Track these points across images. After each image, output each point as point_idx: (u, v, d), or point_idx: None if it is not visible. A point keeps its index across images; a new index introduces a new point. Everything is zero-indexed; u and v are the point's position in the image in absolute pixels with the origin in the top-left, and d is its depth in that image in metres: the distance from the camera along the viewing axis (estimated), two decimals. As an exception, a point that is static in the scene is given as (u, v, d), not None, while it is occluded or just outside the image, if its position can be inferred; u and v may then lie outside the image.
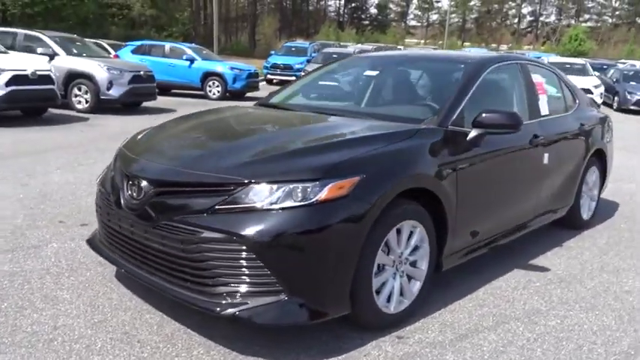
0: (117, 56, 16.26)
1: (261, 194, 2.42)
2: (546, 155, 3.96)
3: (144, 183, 2.65)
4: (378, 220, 2.59)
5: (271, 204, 2.41)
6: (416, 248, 2.93)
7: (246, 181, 2.45)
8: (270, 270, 2.37)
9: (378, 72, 3.99)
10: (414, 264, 2.96)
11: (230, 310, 2.38)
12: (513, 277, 3.68)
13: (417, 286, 2.98)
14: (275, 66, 22.41)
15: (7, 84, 9.08)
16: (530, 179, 3.87)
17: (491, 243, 3.58)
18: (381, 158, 2.69)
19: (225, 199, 2.43)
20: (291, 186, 2.43)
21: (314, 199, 2.41)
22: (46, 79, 9.79)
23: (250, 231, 2.35)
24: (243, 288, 2.41)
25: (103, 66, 11.41)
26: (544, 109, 4.19)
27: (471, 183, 3.23)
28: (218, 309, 2.39)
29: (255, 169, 2.53)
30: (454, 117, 3.23)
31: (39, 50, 11.30)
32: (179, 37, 32.58)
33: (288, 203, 2.41)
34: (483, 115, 3.20)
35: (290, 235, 2.36)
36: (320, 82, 4.25)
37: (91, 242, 3.14)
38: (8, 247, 3.72)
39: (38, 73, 9.60)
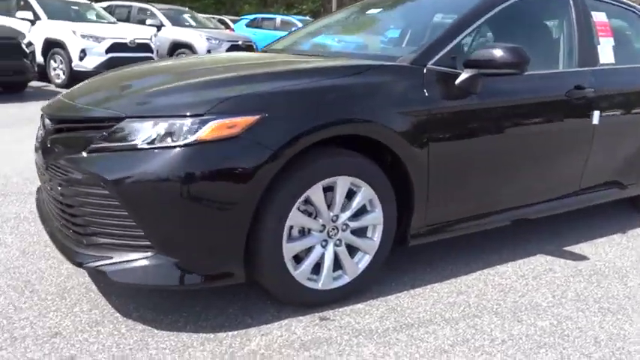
0: (232, 30, 16.75)
1: (139, 132, 2.03)
2: (596, 113, 3.07)
3: (47, 120, 2.42)
4: (286, 171, 2.08)
5: (148, 143, 2.01)
6: (362, 213, 2.37)
7: (123, 116, 2.08)
8: (136, 221, 2.00)
9: (380, 10, 3.36)
10: (360, 233, 2.40)
11: (92, 264, 2.05)
12: (529, 263, 2.92)
13: (365, 260, 2.41)
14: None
15: (107, 51, 9.62)
16: (566, 142, 3.02)
17: (499, 215, 2.85)
18: (296, 95, 2.15)
19: (102, 137, 2.09)
20: (169, 122, 2.01)
21: (192, 139, 1.98)
22: (145, 47, 10.23)
23: (113, 174, 1.99)
24: (110, 240, 2.06)
25: (202, 36, 11.70)
26: (606, 56, 3.27)
27: (458, 139, 2.55)
28: (81, 261, 2.08)
29: (136, 102, 2.16)
30: (440, 55, 2.55)
31: (148, 22, 11.89)
32: (308, 14, 32.90)
33: (166, 143, 2.00)
34: (476, 51, 2.50)
35: (158, 180, 1.95)
36: (327, 27, 3.72)
37: (38, 190, 3.00)
38: (6, 192, 3.76)
39: (137, 41, 10.06)
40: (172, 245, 2.01)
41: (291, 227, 2.20)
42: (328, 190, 2.27)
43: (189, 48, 11.65)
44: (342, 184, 2.26)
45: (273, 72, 2.42)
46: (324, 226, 2.28)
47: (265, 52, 3.45)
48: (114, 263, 2.03)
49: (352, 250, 2.40)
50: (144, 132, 2.02)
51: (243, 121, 2.01)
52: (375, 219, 2.39)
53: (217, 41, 11.73)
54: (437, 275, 2.71)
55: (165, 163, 1.96)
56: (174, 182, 1.96)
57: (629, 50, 3.58)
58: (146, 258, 2.01)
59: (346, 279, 2.38)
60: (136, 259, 2.02)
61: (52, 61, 9.78)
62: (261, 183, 2.03)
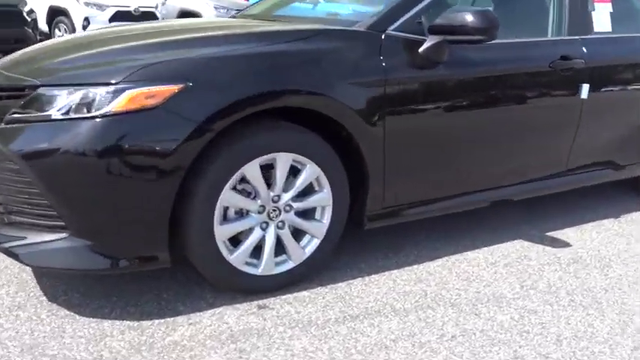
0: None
1: (54, 101, 1.86)
2: (585, 87, 2.79)
3: (-26, 89, 2.26)
4: (216, 147, 1.90)
5: (63, 114, 1.84)
6: (308, 193, 2.18)
7: (37, 84, 1.91)
8: (48, 199, 1.84)
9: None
10: (307, 214, 2.21)
11: (4, 245, 1.91)
12: (504, 249, 2.70)
13: (313, 244, 2.23)
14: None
15: (111, 19, 9.46)
16: (549, 117, 2.75)
17: (472, 196, 2.63)
18: (226, 62, 1.95)
19: (20, 106, 1.93)
20: (84, 91, 1.84)
21: (107, 110, 1.80)
22: (150, 15, 10.04)
23: (23, 147, 1.83)
24: (25, 219, 1.92)
25: (210, 4, 11.43)
26: (602, 23, 2.97)
27: (420, 114, 2.32)
28: (-5, 241, 1.94)
29: (53, 69, 1.99)
30: (403, 19, 2.32)
31: (156, -10, 11.64)
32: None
33: (81, 114, 1.83)
34: (441, 15, 2.26)
35: (71, 154, 1.79)
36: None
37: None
38: None
39: (142, 9, 9.88)
40: (86, 226, 1.86)
41: (227, 208, 2.03)
42: (271, 167, 2.08)
43: (196, 17, 11.40)
44: (283, 161, 2.06)
45: (205, 37, 2.22)
46: (263, 207, 2.10)
47: (234, 17, 3.24)
48: (27, 245, 1.88)
49: (299, 233, 2.22)
50: (59, 102, 1.86)
51: (163, 91, 1.83)
52: (323, 200, 2.20)
53: (225, 10, 11.43)
54: (398, 261, 2.51)
55: (78, 136, 1.80)
56: (88, 157, 1.79)
57: (631, 18, 3.26)
58: (60, 240, 1.86)
59: (291, 264, 2.20)
60: (50, 241, 1.87)
61: (56, 30, 9.67)
62: (185, 160, 1.85)
